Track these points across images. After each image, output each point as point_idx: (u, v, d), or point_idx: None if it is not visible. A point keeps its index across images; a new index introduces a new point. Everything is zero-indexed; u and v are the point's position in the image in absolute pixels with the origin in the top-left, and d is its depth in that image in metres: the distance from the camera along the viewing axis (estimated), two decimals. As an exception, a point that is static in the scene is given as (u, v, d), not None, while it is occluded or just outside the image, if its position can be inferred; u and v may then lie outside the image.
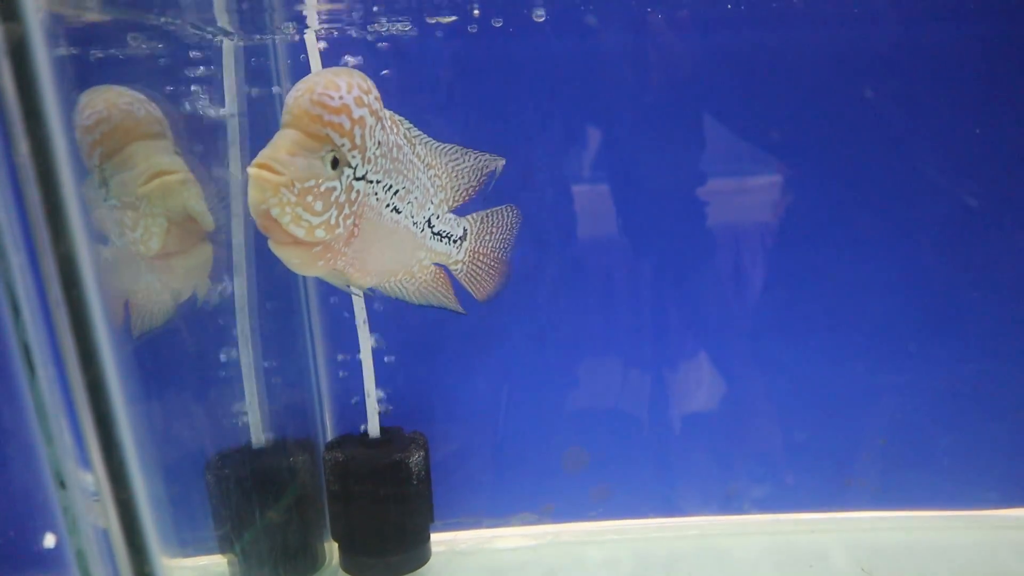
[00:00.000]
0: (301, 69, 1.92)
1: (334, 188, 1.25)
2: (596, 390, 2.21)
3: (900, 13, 1.94)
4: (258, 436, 1.96)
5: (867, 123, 2.02)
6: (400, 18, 1.86)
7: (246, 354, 1.90)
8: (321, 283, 2.07)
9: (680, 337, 2.19)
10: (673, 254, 2.13)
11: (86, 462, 1.03)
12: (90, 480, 1.06)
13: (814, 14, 1.95)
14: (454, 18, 1.88)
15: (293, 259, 1.29)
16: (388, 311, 2.04)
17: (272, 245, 1.28)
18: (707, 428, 2.22)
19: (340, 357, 2.08)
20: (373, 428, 2.06)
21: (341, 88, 1.22)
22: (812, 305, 2.14)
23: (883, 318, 2.13)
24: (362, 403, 2.06)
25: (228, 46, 1.84)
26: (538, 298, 2.15)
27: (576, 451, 2.23)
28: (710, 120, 2.04)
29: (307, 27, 1.87)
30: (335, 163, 1.24)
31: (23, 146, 0.94)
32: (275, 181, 1.16)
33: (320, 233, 1.25)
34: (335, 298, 2.07)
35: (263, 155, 1.18)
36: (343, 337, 2.08)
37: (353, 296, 2.01)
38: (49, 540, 1.49)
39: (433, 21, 1.90)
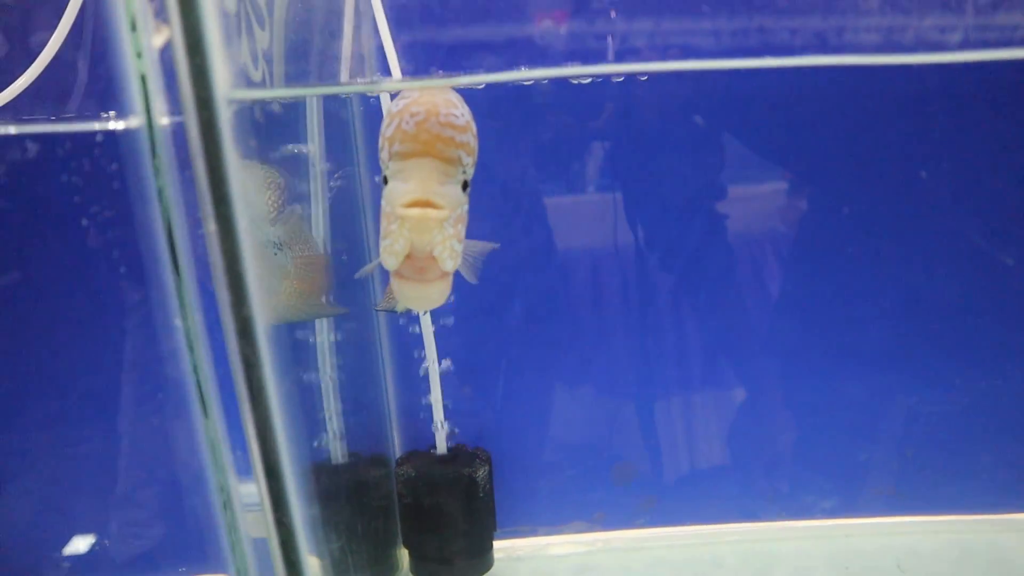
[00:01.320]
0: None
1: (467, 210, 1.21)
2: (641, 406, 2.38)
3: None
4: (337, 452, 2.13)
5: (881, 145, 2.18)
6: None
7: (326, 373, 2.06)
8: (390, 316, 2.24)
9: (712, 354, 2.36)
10: (708, 271, 2.30)
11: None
12: (245, 493, 1.22)
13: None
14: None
15: (435, 295, 1.23)
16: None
17: (412, 285, 1.21)
18: (744, 440, 2.39)
19: (421, 372, 2.22)
20: (441, 445, 2.24)
21: (458, 105, 1.15)
22: (838, 321, 2.30)
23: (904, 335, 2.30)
24: (428, 420, 2.23)
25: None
26: (584, 315, 2.32)
27: (624, 464, 2.40)
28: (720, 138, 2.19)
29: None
30: (465, 185, 1.19)
31: (211, 225, 1.11)
32: (438, 217, 1.11)
33: (458, 260, 1.20)
34: (403, 319, 2.23)
35: (412, 191, 1.11)
36: (410, 355, 2.24)
37: (420, 315, 2.16)
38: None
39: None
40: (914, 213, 2.21)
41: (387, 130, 1.16)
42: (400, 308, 1.42)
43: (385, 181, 1.18)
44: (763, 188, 2.26)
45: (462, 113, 1.15)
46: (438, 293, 1.24)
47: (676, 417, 2.39)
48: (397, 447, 2.33)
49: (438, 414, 2.22)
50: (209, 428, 1.19)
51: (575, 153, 2.22)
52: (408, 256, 1.15)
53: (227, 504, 1.23)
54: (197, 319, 1.11)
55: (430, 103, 1.14)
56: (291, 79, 1.67)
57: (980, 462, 2.36)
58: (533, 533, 2.41)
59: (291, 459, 1.22)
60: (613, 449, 2.40)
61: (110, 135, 1.29)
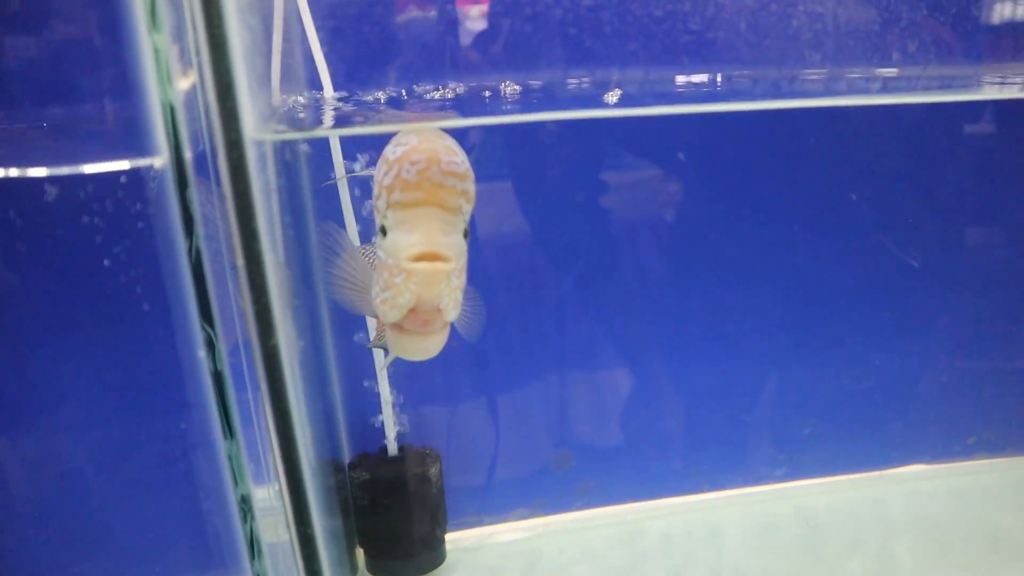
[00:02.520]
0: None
1: (467, 258, 1.17)
2: (575, 395, 2.53)
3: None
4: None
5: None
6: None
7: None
8: (336, 316, 2.28)
9: (633, 343, 2.53)
10: (620, 256, 2.44)
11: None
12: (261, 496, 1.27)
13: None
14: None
15: (435, 346, 1.21)
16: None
17: (415, 338, 1.19)
18: (671, 418, 2.59)
19: (366, 383, 2.28)
20: (391, 446, 2.30)
21: (457, 152, 1.12)
22: (762, 304, 2.53)
23: (817, 315, 2.56)
24: (376, 422, 2.30)
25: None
26: (510, 311, 2.43)
27: (561, 452, 2.54)
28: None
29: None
30: (466, 232, 1.16)
31: (240, 258, 1.14)
32: (447, 270, 1.08)
33: (459, 309, 1.18)
34: (360, 334, 2.27)
35: (418, 244, 1.07)
36: (355, 358, 2.29)
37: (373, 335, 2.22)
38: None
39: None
40: (830, 221, 2.47)
41: (385, 178, 1.12)
42: (391, 356, 1.39)
43: (383, 231, 1.14)
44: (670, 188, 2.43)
45: (462, 160, 1.12)
46: (438, 343, 1.22)
47: (607, 403, 2.55)
48: (347, 451, 2.37)
49: (387, 415, 2.28)
50: (232, 448, 1.23)
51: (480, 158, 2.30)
52: (412, 309, 1.13)
53: (248, 514, 1.28)
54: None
55: (430, 150, 1.09)
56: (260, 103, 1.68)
57: (866, 427, 2.68)
58: (480, 523, 2.52)
59: (311, 472, 1.28)
60: (551, 438, 2.53)
61: (134, 174, 1.28)
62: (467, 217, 1.15)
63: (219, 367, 1.15)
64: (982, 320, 2.64)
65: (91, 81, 1.40)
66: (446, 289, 1.13)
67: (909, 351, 2.63)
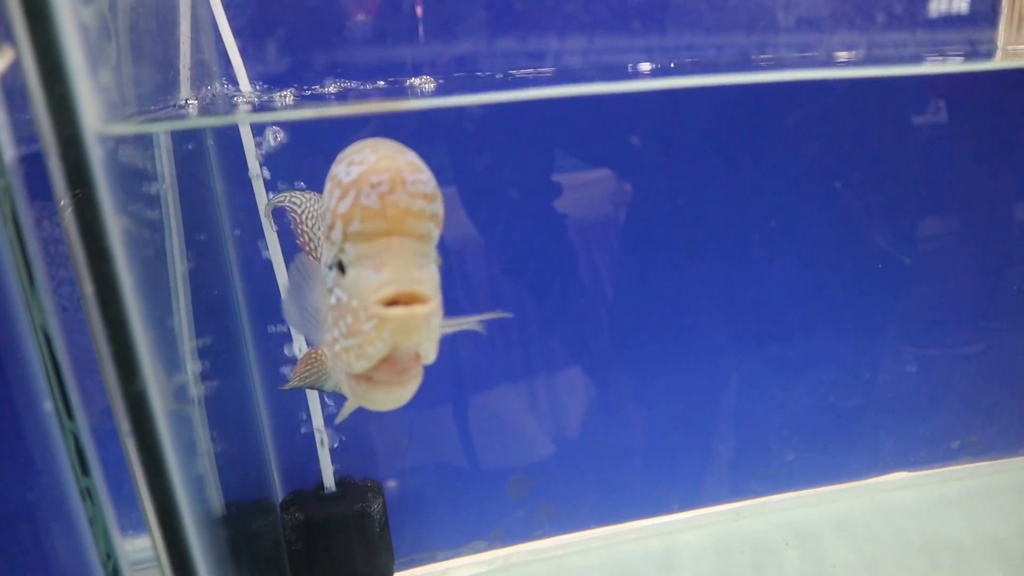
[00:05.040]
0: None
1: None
2: (528, 418, 2.32)
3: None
4: (213, 503, 1.91)
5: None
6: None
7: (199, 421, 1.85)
8: (261, 346, 2.05)
9: (585, 360, 2.33)
10: (575, 280, 2.25)
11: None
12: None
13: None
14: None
15: (408, 393, 1.01)
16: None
17: (388, 390, 0.98)
18: (633, 439, 2.39)
19: (300, 413, 2.05)
20: (328, 481, 2.07)
21: (421, 167, 0.93)
22: (727, 314, 2.34)
23: (787, 323, 2.38)
24: (312, 455, 2.06)
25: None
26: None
27: (518, 477, 2.33)
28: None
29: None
30: (438, 260, 0.97)
31: (87, 286, 0.91)
32: (427, 312, 0.89)
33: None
34: (287, 367, 2.05)
35: (389, 284, 0.88)
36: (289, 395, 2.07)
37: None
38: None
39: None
40: (796, 223, 2.29)
41: (339, 205, 0.90)
42: (350, 407, 1.15)
43: (340, 267, 0.93)
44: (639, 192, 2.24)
45: (429, 177, 0.92)
46: (413, 390, 1.01)
47: (566, 423, 2.34)
48: (279, 489, 2.13)
49: (322, 447, 2.05)
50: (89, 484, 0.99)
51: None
52: (385, 359, 0.92)
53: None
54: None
55: (392, 169, 0.89)
56: (143, 101, 1.44)
57: (845, 436, 2.51)
58: (432, 560, 2.29)
59: (192, 514, 1.05)
60: (506, 462, 2.32)
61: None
62: (436, 242, 0.96)
63: (74, 424, 0.93)
64: (962, 323, 2.49)
65: None
66: (425, 332, 0.92)
67: (885, 356, 2.46)
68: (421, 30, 1.66)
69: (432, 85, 1.68)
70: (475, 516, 2.32)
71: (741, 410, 2.43)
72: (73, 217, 0.88)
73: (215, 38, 1.89)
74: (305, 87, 1.87)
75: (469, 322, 1.22)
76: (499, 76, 1.68)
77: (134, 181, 1.34)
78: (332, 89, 1.85)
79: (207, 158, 1.89)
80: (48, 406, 0.93)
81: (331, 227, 0.91)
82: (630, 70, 1.75)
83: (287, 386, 1.28)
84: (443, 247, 2.09)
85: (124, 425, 0.95)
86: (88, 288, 0.91)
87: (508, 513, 2.33)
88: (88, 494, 0.97)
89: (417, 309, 0.88)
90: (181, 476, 1.03)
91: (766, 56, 1.89)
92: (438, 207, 0.93)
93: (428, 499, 2.27)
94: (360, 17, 1.84)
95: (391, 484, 2.20)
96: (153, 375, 0.96)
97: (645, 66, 1.76)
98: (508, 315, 1.18)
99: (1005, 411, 2.56)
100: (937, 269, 2.42)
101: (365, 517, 2.01)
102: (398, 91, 1.65)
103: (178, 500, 1.01)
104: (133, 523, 1.10)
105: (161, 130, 1.53)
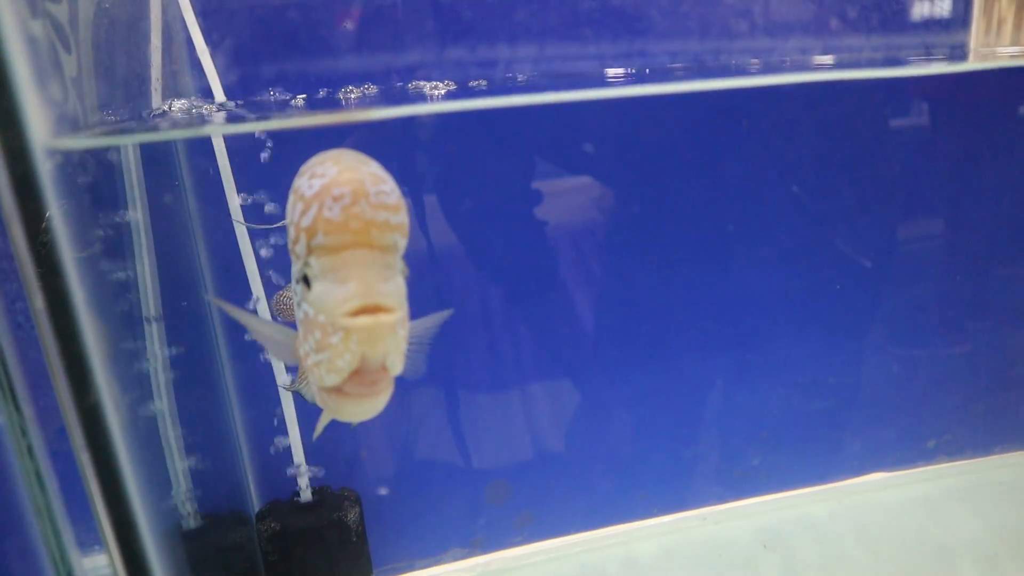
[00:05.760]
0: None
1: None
2: (506, 425, 2.32)
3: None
4: (188, 516, 1.90)
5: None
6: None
7: (165, 420, 1.84)
8: (236, 356, 2.04)
9: (563, 364, 2.33)
10: (551, 278, 2.25)
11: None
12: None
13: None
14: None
15: (380, 404, 1.02)
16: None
17: (359, 402, 0.99)
18: (611, 444, 2.39)
19: (275, 422, 2.05)
20: (304, 491, 2.06)
21: (385, 178, 0.93)
22: (702, 318, 2.35)
23: (761, 326, 2.39)
24: (287, 465, 2.05)
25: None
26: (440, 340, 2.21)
27: (497, 483, 2.32)
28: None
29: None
30: (404, 271, 0.98)
31: (38, 301, 0.91)
32: (392, 321, 0.91)
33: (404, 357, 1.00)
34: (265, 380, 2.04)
35: (354, 296, 0.89)
36: (259, 395, 2.06)
37: (273, 365, 2.00)
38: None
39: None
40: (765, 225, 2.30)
41: (302, 219, 0.90)
42: (325, 420, 1.17)
43: (305, 281, 0.93)
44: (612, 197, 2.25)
45: (392, 188, 0.93)
46: (384, 401, 1.02)
47: (545, 428, 2.34)
48: (255, 500, 2.12)
49: (298, 456, 2.05)
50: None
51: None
52: (355, 371, 0.94)
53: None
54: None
55: (355, 181, 0.90)
56: (109, 112, 1.44)
57: (821, 438, 2.51)
58: (410, 568, 2.29)
59: (153, 528, 1.04)
60: (485, 468, 2.31)
61: None
62: (402, 253, 0.96)
63: (28, 440, 0.92)
64: (936, 324, 2.50)
65: None
66: (392, 343, 0.94)
67: (860, 356, 2.47)
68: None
69: (443, 90, 1.68)
70: (454, 523, 2.31)
71: (720, 414, 2.44)
72: (22, 231, 0.88)
73: (188, 50, 1.89)
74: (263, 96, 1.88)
75: (423, 324, 1.22)
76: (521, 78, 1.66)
77: (94, 193, 1.34)
78: (300, 101, 1.86)
79: (177, 168, 1.88)
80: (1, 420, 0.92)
81: (295, 241, 0.92)
82: (607, 77, 1.76)
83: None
84: (424, 256, 2.11)
85: (77, 439, 0.95)
86: (39, 302, 0.91)
87: (487, 519, 2.33)
88: (46, 511, 0.97)
89: (382, 318, 0.89)
90: (140, 490, 1.03)
91: (737, 62, 1.90)
92: (403, 218, 0.93)
93: (406, 507, 2.27)
94: (346, 25, 1.84)
95: (371, 492, 2.19)
96: (107, 388, 0.96)
97: (614, 71, 1.77)
98: (449, 311, 1.17)
99: (980, 410, 2.58)
100: (909, 272, 2.44)
101: (342, 526, 2.01)
102: (387, 98, 1.65)
103: (135, 514, 1.00)
104: (97, 539, 1.10)
105: (124, 143, 1.53)
